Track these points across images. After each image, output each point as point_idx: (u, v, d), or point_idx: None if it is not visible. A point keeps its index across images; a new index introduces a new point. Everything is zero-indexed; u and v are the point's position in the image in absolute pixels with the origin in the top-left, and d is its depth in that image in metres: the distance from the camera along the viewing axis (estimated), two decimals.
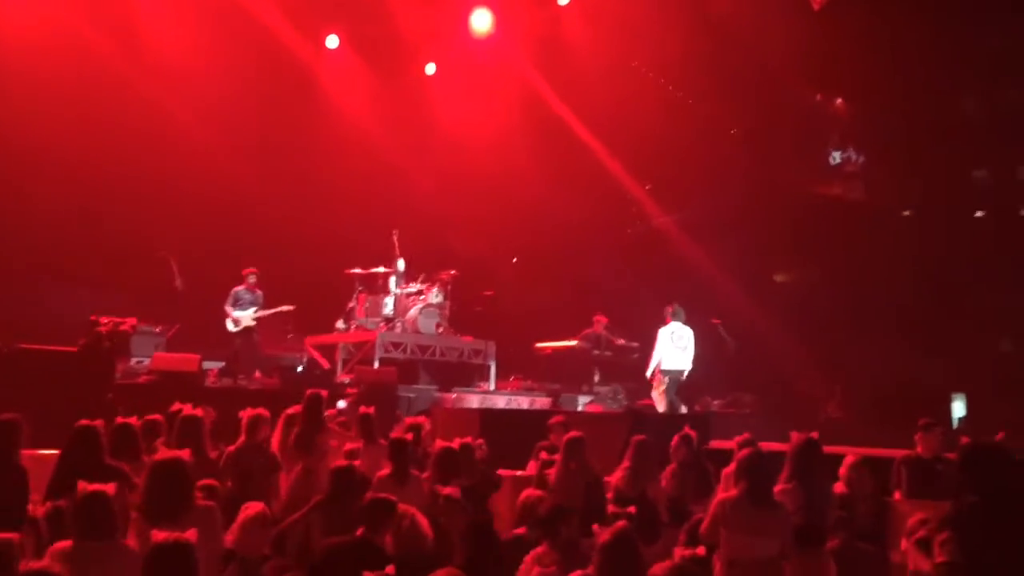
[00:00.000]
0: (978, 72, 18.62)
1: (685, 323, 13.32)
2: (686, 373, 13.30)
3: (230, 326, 15.01)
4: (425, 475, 7.29)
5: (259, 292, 15.20)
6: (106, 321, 12.57)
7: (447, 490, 6.68)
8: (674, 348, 13.15)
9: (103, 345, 12.12)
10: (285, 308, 15.55)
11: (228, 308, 15.01)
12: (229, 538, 5.38)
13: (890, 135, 19.52)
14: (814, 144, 20.93)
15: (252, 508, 5.58)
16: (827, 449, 6.72)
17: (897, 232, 19.58)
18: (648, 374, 13.39)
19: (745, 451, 5.85)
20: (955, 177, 19.52)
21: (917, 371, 16.67)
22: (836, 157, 20.81)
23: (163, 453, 5.54)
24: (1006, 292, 17.60)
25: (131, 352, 13.48)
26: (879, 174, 20.58)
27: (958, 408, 17.16)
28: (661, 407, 13.15)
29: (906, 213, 20.45)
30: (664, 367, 13.12)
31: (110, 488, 4.63)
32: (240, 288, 15.13)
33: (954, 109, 19.36)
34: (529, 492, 6.90)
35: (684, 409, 13.02)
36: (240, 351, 14.95)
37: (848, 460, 6.80)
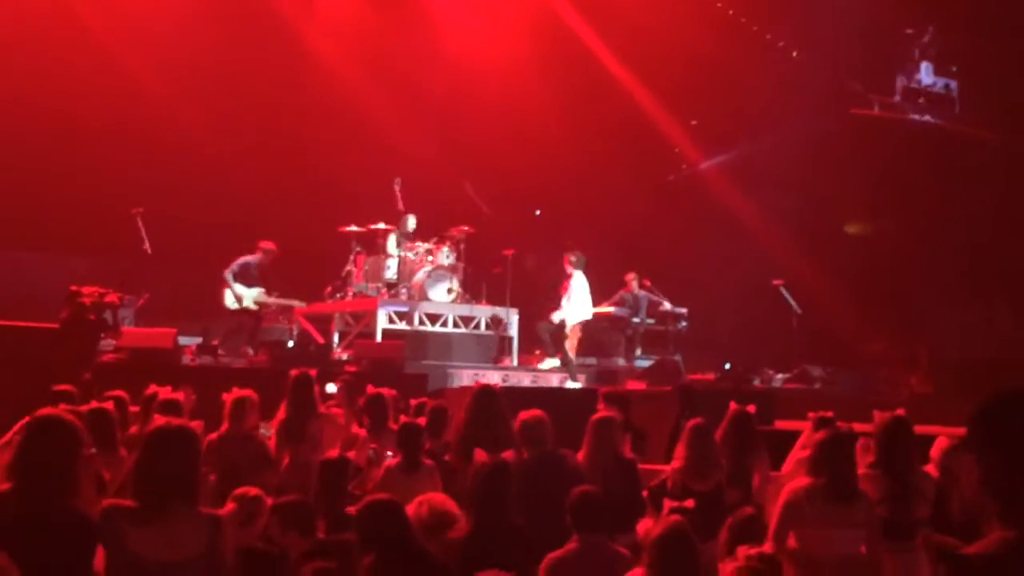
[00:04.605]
0: None
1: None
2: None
3: (228, 301, 14.90)
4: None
5: (267, 271, 15.08)
6: (89, 292, 12.66)
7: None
8: (586, 297, 15.00)
9: (87, 318, 12.24)
10: (296, 303, 15.55)
11: (229, 277, 14.80)
12: None
13: (988, 54, 19.15)
14: (893, 67, 20.61)
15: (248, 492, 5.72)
16: (915, 429, 6.68)
17: (996, 171, 19.24)
18: (563, 320, 14.95)
19: (824, 432, 5.81)
20: None
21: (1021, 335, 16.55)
22: (920, 81, 20.47)
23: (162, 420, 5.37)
24: None
25: (119, 327, 13.48)
26: (974, 101, 20.27)
27: None
28: (573, 354, 14.90)
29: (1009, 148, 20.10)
30: (582, 318, 14.90)
31: None
32: (251, 258, 14.94)
33: None
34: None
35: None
36: (238, 328, 14.95)
37: (943, 444, 6.76)
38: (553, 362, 15.26)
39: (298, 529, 5.75)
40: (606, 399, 8.75)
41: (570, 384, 14.69)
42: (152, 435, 4.37)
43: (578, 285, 14.96)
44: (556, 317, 15.03)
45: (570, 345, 14.98)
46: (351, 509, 5.64)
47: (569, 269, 15.03)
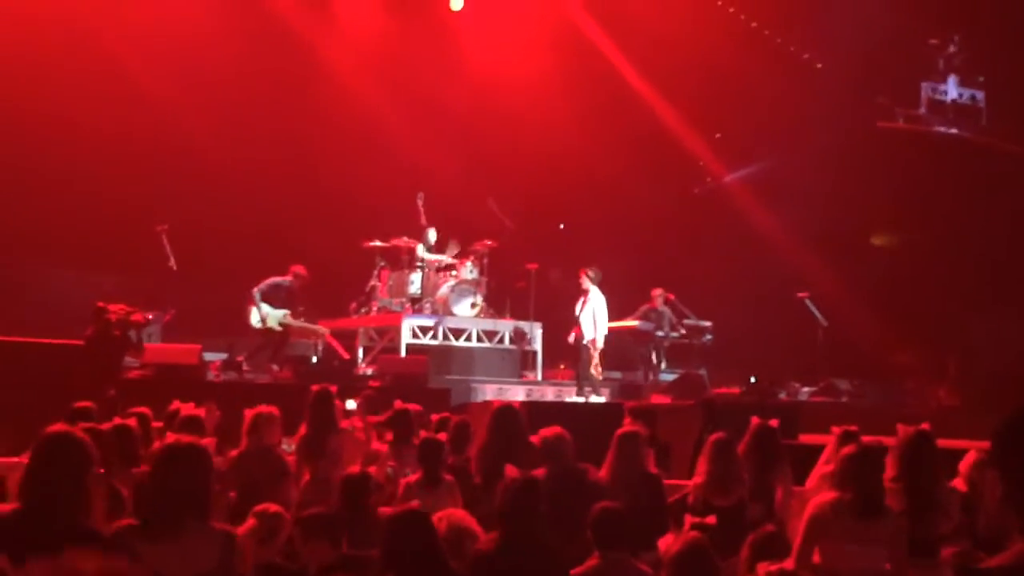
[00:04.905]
0: None
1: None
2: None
3: (253, 319, 14.92)
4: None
5: (296, 295, 15.09)
6: (115, 309, 12.76)
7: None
8: (604, 312, 14.96)
9: (112, 335, 12.33)
10: (320, 329, 15.61)
11: (257, 296, 14.78)
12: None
13: (1016, 63, 18.98)
14: (918, 77, 20.47)
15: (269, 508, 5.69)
16: (940, 443, 6.59)
17: (1023, 182, 19.06)
18: (598, 341, 14.86)
19: (852, 446, 5.72)
20: None
21: None
22: (946, 92, 20.30)
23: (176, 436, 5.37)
24: None
25: (143, 346, 13.54)
26: (1001, 111, 20.08)
27: None
28: (599, 376, 14.86)
29: None
30: (603, 333, 14.87)
31: None
32: (281, 280, 14.92)
33: None
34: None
35: None
36: (265, 345, 15.02)
37: (972, 458, 6.68)
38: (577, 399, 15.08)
39: (327, 540, 5.72)
40: (632, 414, 8.69)
41: (595, 398, 14.62)
42: (162, 452, 4.36)
43: (597, 302, 14.88)
44: (599, 342, 14.86)
45: (595, 362, 14.92)
46: (384, 511, 5.58)
47: (585, 284, 14.91)
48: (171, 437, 4.51)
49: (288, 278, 14.97)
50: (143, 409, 8.08)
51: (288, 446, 8.17)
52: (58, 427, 4.29)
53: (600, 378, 14.97)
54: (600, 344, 14.84)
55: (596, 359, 14.84)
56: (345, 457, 8.11)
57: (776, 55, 20.39)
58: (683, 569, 4.57)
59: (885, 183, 19.79)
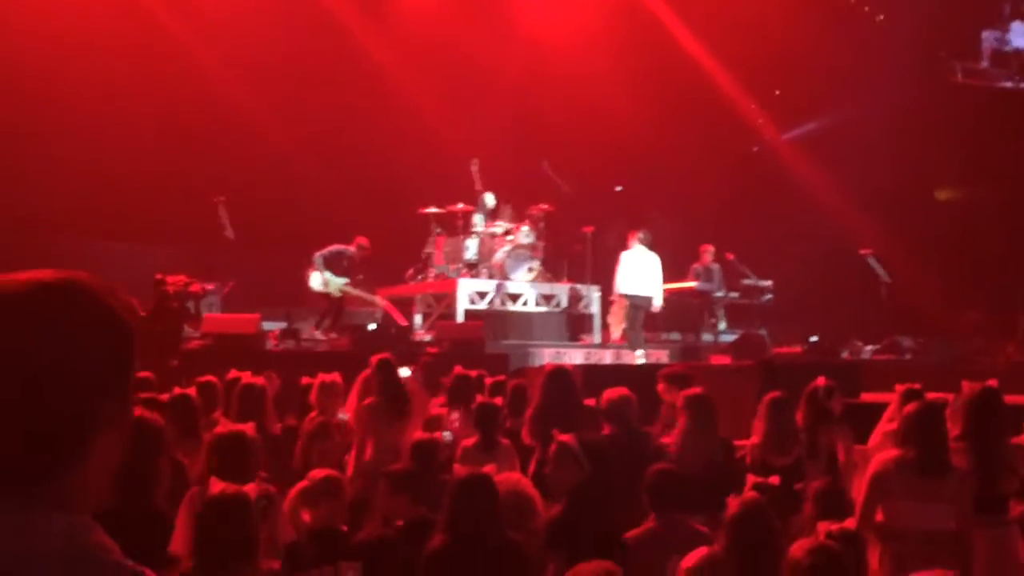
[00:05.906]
0: None
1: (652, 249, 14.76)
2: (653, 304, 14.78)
3: (314, 282, 15.06)
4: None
5: (357, 265, 15.23)
6: (173, 281, 12.96)
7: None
8: (634, 273, 14.57)
9: (171, 306, 12.53)
10: (377, 300, 15.72)
11: (319, 261, 14.92)
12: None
13: None
14: (984, 25, 19.92)
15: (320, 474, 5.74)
16: (1009, 399, 6.46)
17: None
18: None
19: (915, 404, 5.62)
20: None
21: None
22: (1010, 42, 19.73)
23: (224, 425, 5.52)
24: None
25: (201, 316, 13.77)
26: None
27: None
28: (616, 333, 15.01)
29: None
30: (624, 292, 14.64)
31: None
32: (344, 248, 15.05)
33: None
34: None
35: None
36: (328, 310, 15.21)
37: None
38: (640, 353, 15.06)
39: (409, 495, 5.75)
40: (665, 379, 8.56)
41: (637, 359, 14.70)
42: (209, 504, 4.43)
43: (627, 260, 14.80)
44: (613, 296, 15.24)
45: (615, 319, 15.08)
46: (457, 470, 5.58)
47: (631, 244, 14.87)
48: (217, 485, 4.58)
49: (352, 248, 15.10)
50: (210, 378, 8.18)
51: (343, 415, 8.23)
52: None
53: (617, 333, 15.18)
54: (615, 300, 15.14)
55: (614, 316, 15.16)
56: (408, 425, 8.16)
57: (836, 8, 19.98)
58: (741, 530, 4.52)
59: (951, 137, 19.36)
